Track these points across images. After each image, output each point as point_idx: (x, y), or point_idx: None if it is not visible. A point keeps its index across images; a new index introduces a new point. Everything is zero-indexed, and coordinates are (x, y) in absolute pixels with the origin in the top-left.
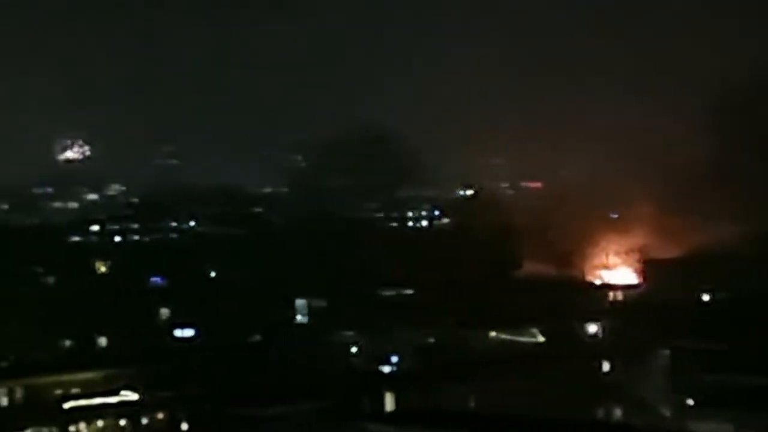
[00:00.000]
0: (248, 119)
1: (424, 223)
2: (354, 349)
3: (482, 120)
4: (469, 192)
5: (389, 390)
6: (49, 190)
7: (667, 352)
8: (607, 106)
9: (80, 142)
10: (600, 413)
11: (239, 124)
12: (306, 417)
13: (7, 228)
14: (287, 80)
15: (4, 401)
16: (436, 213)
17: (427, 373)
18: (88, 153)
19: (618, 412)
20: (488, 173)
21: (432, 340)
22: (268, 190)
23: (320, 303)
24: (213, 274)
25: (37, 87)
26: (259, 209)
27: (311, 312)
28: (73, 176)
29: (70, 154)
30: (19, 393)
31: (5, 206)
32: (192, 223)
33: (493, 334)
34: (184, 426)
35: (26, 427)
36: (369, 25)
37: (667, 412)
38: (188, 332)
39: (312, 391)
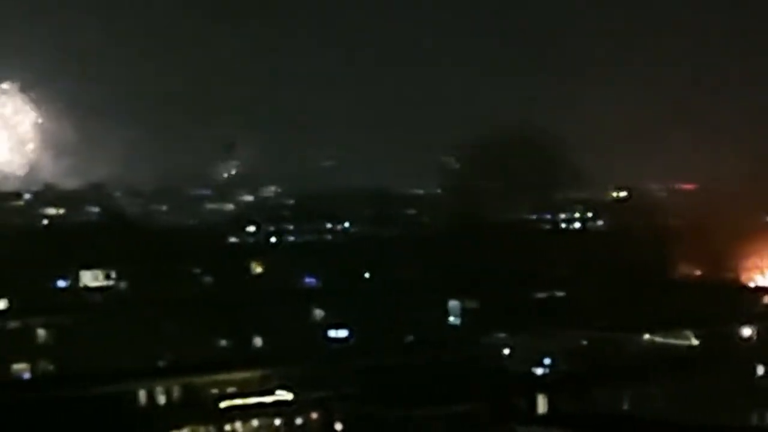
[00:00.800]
0: (402, 120)
1: (577, 225)
2: (506, 351)
3: (632, 121)
4: (623, 194)
5: (541, 392)
6: (207, 191)
7: None
8: (763, 105)
9: (233, 146)
10: (754, 418)
11: (394, 126)
12: (458, 419)
13: (166, 229)
14: (440, 80)
15: (162, 400)
16: (590, 215)
17: (580, 376)
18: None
19: None
20: (641, 175)
21: (585, 342)
22: (421, 191)
23: (473, 304)
24: (367, 275)
25: (194, 89)
26: (412, 211)
27: (464, 313)
28: (229, 178)
29: (225, 159)
30: (176, 392)
31: (164, 207)
32: (346, 225)
33: (646, 336)
34: (338, 426)
35: (183, 426)
36: (518, 22)
37: None
38: (342, 333)
39: (464, 392)
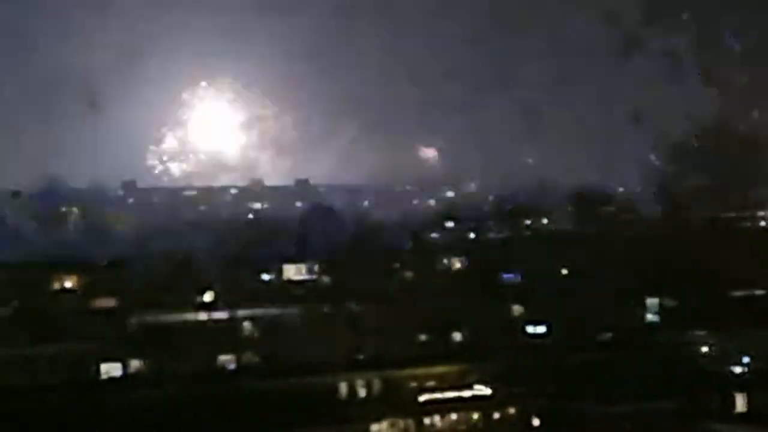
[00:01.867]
0: (604, 118)
1: None
2: (705, 349)
3: None
4: None
5: (740, 391)
6: (411, 187)
7: None
8: None
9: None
10: None
11: (596, 123)
12: (655, 416)
13: (368, 224)
14: (643, 75)
15: (362, 392)
16: None
17: None
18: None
19: None
20: None
21: None
22: (622, 189)
23: (671, 302)
24: (565, 272)
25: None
26: (612, 208)
27: (662, 311)
28: (432, 174)
29: (425, 154)
30: (376, 385)
31: (367, 203)
32: (544, 221)
33: None
34: (535, 422)
35: (382, 418)
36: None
37: None
38: (540, 329)
39: (662, 390)
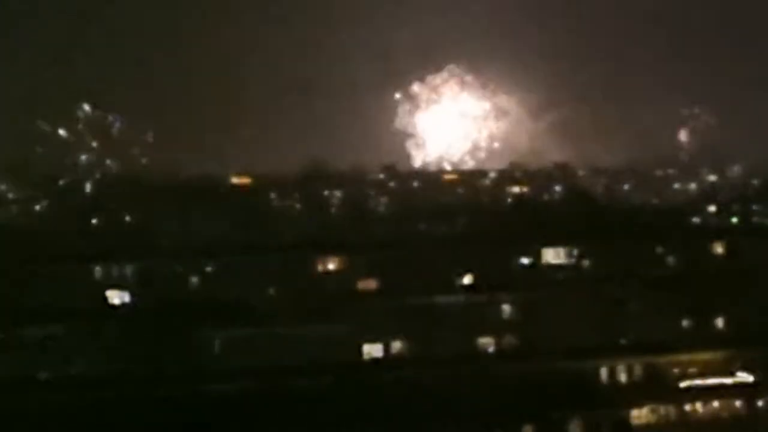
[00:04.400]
0: None
1: None
2: None
3: None
4: None
5: None
6: (672, 170)
7: None
8: None
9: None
10: None
11: None
12: None
13: (629, 208)
14: None
15: (624, 378)
16: None
17: None
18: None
19: None
20: None
21: None
22: None
23: None
24: None
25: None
26: None
27: None
28: (694, 157)
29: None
30: (637, 370)
31: (627, 186)
32: None
33: None
34: None
35: (644, 404)
36: None
37: None
38: None
39: None
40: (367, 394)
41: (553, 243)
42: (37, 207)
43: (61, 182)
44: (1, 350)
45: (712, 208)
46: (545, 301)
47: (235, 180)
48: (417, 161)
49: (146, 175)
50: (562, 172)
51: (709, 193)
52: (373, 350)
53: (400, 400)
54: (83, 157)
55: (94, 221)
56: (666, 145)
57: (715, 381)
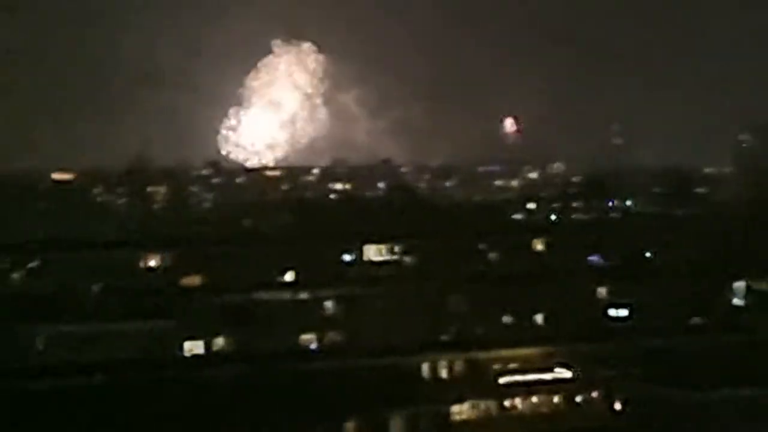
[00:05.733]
0: (695, 97)
1: None
2: None
3: None
4: None
5: None
6: (494, 168)
7: None
8: None
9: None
10: None
11: (686, 103)
12: (743, 403)
13: (452, 205)
14: (735, 57)
15: (444, 373)
16: None
17: None
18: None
19: None
20: None
21: None
22: (713, 170)
23: (760, 286)
24: (650, 255)
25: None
26: (703, 189)
27: (750, 295)
28: (516, 155)
29: (507, 127)
30: (458, 366)
31: (449, 183)
32: (628, 203)
33: None
34: (617, 406)
35: (464, 400)
36: None
37: None
38: (623, 312)
39: (751, 376)
40: (188, 391)
41: (375, 239)
42: None
43: None
44: None
45: (532, 205)
46: (367, 297)
47: (56, 176)
48: (242, 157)
49: None
50: (386, 168)
51: (530, 191)
52: (194, 347)
53: (221, 398)
54: None
55: None
56: (488, 143)
57: (535, 377)
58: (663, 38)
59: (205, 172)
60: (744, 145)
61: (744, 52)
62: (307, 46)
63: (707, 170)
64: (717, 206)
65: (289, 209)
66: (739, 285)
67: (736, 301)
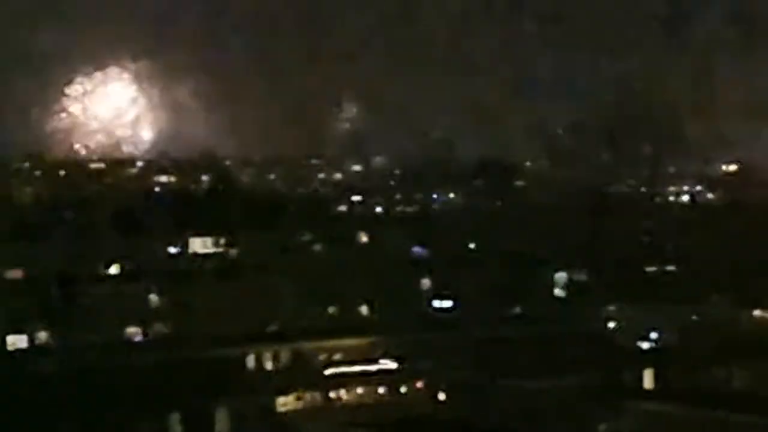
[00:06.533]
0: (513, 92)
1: (685, 198)
2: (613, 325)
3: (750, 93)
4: (732, 167)
5: (649, 367)
6: (317, 161)
7: None
8: None
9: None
10: None
11: (504, 97)
12: (563, 392)
13: (276, 197)
14: (551, 51)
15: (270, 365)
16: (698, 188)
17: (690, 352)
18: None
19: None
20: (756, 148)
21: (695, 317)
22: (529, 163)
23: (580, 277)
24: (473, 246)
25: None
26: (521, 182)
27: (571, 286)
28: (339, 148)
29: (332, 127)
30: (284, 358)
31: (274, 176)
32: (451, 195)
33: (758, 313)
34: (442, 396)
35: (289, 391)
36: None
37: None
38: (446, 303)
39: (569, 366)
40: (12, 385)
41: (200, 232)
42: None
43: None
44: None
45: (357, 198)
46: (193, 289)
47: None
48: (63, 150)
49: None
50: (210, 161)
51: (354, 183)
52: (17, 341)
53: (45, 392)
54: None
55: None
56: (312, 135)
57: (360, 368)
58: (481, 33)
59: (26, 164)
60: (561, 140)
61: (564, 50)
62: (129, 47)
63: (527, 164)
64: (536, 199)
65: (112, 202)
66: (560, 276)
67: (558, 292)
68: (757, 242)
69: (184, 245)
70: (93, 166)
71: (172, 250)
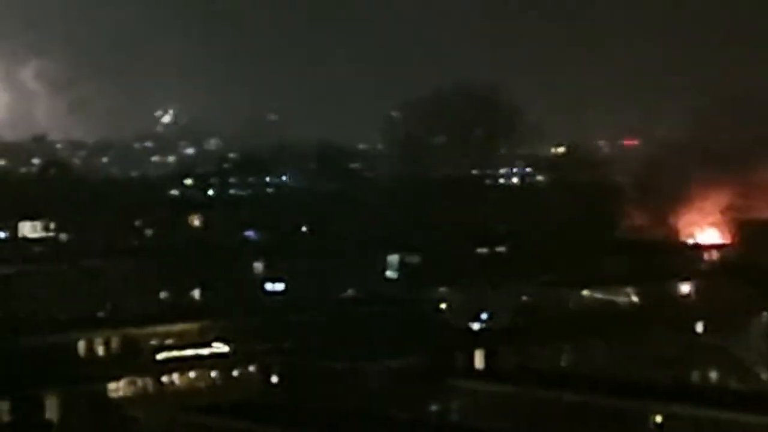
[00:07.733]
0: (348, 74)
1: (515, 180)
2: (444, 306)
3: (579, 78)
4: (561, 149)
5: (479, 348)
6: (149, 144)
7: (766, 314)
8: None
9: (173, 109)
10: (694, 375)
11: (339, 79)
12: (395, 373)
13: (107, 181)
14: (387, 34)
15: (101, 350)
16: (527, 170)
17: (519, 331)
18: (179, 118)
19: (714, 375)
20: (585, 130)
21: (525, 297)
22: (364, 146)
23: (412, 259)
24: (306, 229)
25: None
26: (355, 165)
27: (403, 268)
28: (172, 131)
29: (166, 120)
30: (114, 343)
31: (105, 159)
32: (284, 178)
33: (586, 292)
34: (274, 379)
35: (121, 377)
36: None
37: (765, 375)
38: (279, 286)
39: (401, 347)
40: None
41: (30, 216)
42: None
43: None
44: None
45: (189, 181)
46: (22, 274)
47: None
48: None
49: None
50: (40, 144)
51: (186, 167)
52: None
53: None
54: None
55: None
56: (145, 118)
57: (192, 352)
58: (315, 13)
59: None
60: (395, 121)
61: (402, 31)
62: None
63: (361, 146)
64: (370, 181)
65: None
66: (392, 258)
67: (390, 274)
68: (582, 222)
69: (14, 229)
70: None
71: (1, 234)
